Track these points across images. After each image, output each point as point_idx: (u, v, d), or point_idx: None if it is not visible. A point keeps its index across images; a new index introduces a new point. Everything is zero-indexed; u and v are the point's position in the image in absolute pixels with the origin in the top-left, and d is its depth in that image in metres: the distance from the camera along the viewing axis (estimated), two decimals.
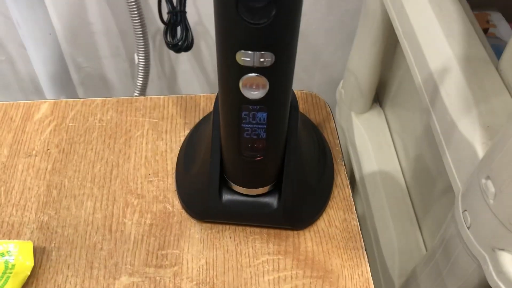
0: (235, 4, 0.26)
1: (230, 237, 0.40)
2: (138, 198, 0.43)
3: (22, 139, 0.47)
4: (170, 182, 0.44)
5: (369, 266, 0.39)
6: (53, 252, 0.40)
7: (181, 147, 0.45)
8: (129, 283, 0.38)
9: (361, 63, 0.74)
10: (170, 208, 0.42)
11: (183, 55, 0.90)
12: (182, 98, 0.50)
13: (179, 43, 0.63)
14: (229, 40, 0.29)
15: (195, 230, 0.41)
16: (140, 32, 0.76)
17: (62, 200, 0.43)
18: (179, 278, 0.38)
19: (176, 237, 0.40)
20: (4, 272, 0.37)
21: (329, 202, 0.42)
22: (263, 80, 0.30)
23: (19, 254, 0.38)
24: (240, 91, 0.31)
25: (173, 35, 0.63)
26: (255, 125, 0.34)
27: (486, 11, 0.68)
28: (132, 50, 0.90)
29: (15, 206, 0.42)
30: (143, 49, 0.78)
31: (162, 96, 0.50)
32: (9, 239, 0.40)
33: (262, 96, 0.31)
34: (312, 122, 0.47)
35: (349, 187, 0.43)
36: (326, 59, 0.93)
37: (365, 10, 0.70)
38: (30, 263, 0.38)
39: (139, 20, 0.74)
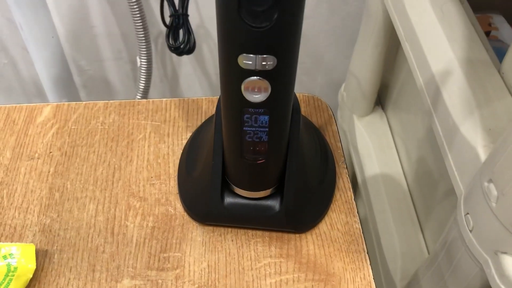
0: (237, 8, 0.26)
1: (232, 240, 0.40)
2: (140, 201, 0.43)
3: (25, 142, 0.47)
4: (172, 185, 0.44)
5: (371, 269, 0.39)
6: (55, 255, 0.40)
7: (183, 150, 0.45)
8: (131, 286, 0.38)
9: (363, 66, 0.74)
10: (172, 211, 0.42)
11: (185, 58, 0.90)
12: (184, 101, 0.50)
13: (181, 46, 0.63)
14: (231, 43, 0.29)
15: (197, 233, 0.41)
16: (142, 35, 0.76)
17: (65, 203, 0.43)
18: (181, 281, 0.38)
19: (178, 240, 0.40)
20: (7, 275, 0.37)
21: (331, 205, 0.42)
22: (265, 84, 0.30)
23: (22, 257, 0.38)
24: (242, 94, 0.31)
25: (175, 38, 0.63)
26: (257, 128, 0.34)
27: (488, 14, 0.68)
28: (134, 53, 0.90)
29: (18, 209, 0.42)
30: (145, 52, 0.78)
31: (164, 99, 0.50)
32: (11, 241, 0.40)
33: (264, 99, 0.31)
34: (314, 125, 0.47)
35: (351, 190, 0.43)
36: (327, 62, 0.93)
37: (367, 13, 0.70)
38: (32, 265, 0.38)
39: (141, 23, 0.75)
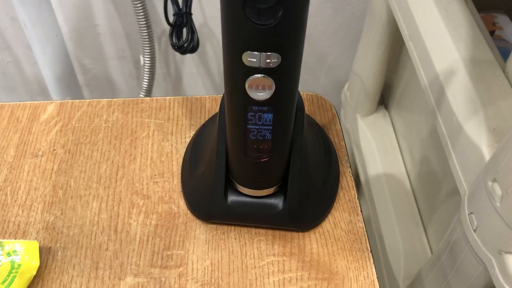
0: (241, 5, 0.26)
1: (235, 238, 0.40)
2: (144, 198, 0.43)
3: (29, 140, 0.47)
4: (176, 183, 0.44)
5: (375, 268, 0.39)
6: (59, 252, 0.40)
7: (187, 148, 0.45)
8: (134, 284, 0.38)
9: (367, 65, 0.74)
10: (175, 209, 0.42)
11: (189, 57, 0.90)
12: (188, 99, 0.50)
13: (185, 45, 0.63)
14: (235, 41, 0.29)
15: (200, 231, 0.41)
16: (146, 34, 0.76)
17: (68, 201, 0.43)
18: (184, 279, 0.38)
19: (182, 238, 0.40)
20: (10, 272, 0.37)
21: (335, 203, 0.42)
22: (269, 81, 0.30)
23: (25, 254, 0.38)
24: (246, 92, 0.31)
25: (179, 36, 0.63)
26: (260, 126, 0.34)
27: (492, 13, 0.68)
28: (137, 52, 0.90)
29: (21, 206, 0.42)
30: (148, 51, 0.78)
31: (167, 97, 0.50)
32: (15, 238, 0.41)
33: (268, 97, 0.31)
34: (317, 123, 0.47)
35: (355, 188, 0.43)
36: (331, 62, 0.93)
37: (371, 12, 0.70)
38: (36, 262, 0.38)
39: (145, 22, 0.75)
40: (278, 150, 0.36)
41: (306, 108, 0.49)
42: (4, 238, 0.41)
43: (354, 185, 0.43)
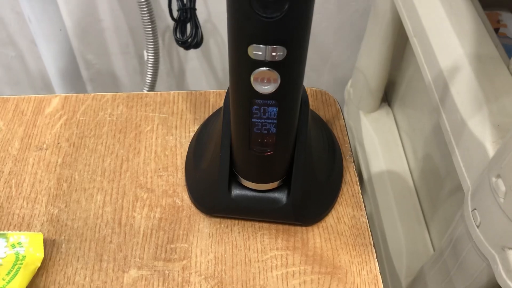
0: None
1: (239, 232, 0.40)
2: (148, 192, 0.43)
3: (33, 133, 0.47)
4: (180, 176, 0.44)
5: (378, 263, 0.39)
6: (63, 245, 0.40)
7: (191, 142, 0.46)
8: (138, 276, 0.38)
9: (370, 62, 0.74)
10: (179, 202, 0.42)
11: (192, 52, 0.90)
12: (192, 94, 0.50)
13: (189, 40, 0.63)
14: (241, 33, 0.29)
15: (204, 224, 0.41)
16: (149, 29, 0.76)
17: (72, 193, 0.43)
18: (187, 272, 0.38)
19: (185, 231, 0.40)
20: (15, 263, 0.37)
21: (338, 198, 0.42)
22: (275, 74, 0.30)
23: (30, 246, 0.38)
24: (251, 85, 0.31)
25: (183, 32, 0.63)
26: (265, 120, 0.34)
27: (496, 11, 0.68)
28: (141, 47, 0.90)
29: (26, 199, 0.43)
30: (152, 46, 0.78)
31: (172, 92, 0.50)
32: (19, 231, 0.41)
33: (273, 90, 0.31)
34: (321, 118, 0.47)
35: (358, 184, 0.43)
36: (335, 58, 0.93)
37: (375, 9, 0.69)
38: (40, 254, 0.38)
39: (148, 17, 0.75)
40: (282, 144, 0.36)
41: (310, 103, 0.49)
42: (9, 230, 0.41)
43: (357, 180, 0.43)
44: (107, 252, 0.39)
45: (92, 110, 0.49)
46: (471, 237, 0.38)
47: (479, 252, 0.37)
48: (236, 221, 0.41)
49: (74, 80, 0.82)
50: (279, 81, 0.31)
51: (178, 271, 0.38)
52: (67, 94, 0.50)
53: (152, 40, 0.77)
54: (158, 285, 0.38)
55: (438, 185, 0.63)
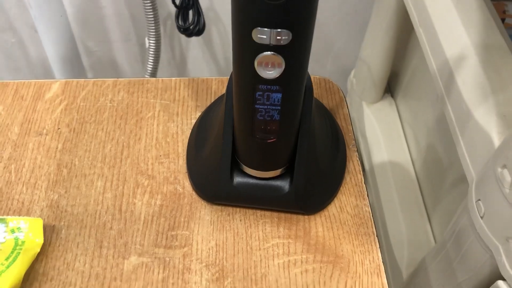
0: None
1: (241, 220, 0.40)
2: (149, 179, 0.42)
3: (33, 118, 0.47)
4: (181, 163, 0.43)
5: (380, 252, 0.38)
6: (63, 231, 0.40)
7: (192, 129, 0.45)
8: (138, 263, 0.38)
9: (374, 52, 0.74)
10: (180, 189, 0.42)
11: (194, 40, 0.89)
12: (194, 81, 0.50)
13: (191, 27, 0.63)
14: (245, 17, 0.28)
15: (205, 212, 0.41)
16: (151, 16, 0.75)
17: (72, 179, 0.42)
18: (188, 259, 0.38)
19: (186, 218, 0.40)
20: (14, 249, 0.37)
21: (341, 187, 0.42)
22: (279, 59, 0.30)
23: (29, 231, 0.38)
24: (255, 70, 0.30)
25: (185, 19, 0.63)
26: (269, 106, 0.33)
27: (503, 1, 0.67)
28: (142, 35, 0.89)
29: (26, 184, 0.42)
30: (154, 33, 0.77)
31: (173, 78, 0.50)
32: (19, 216, 0.40)
33: (277, 75, 0.31)
34: (325, 107, 0.46)
35: (361, 173, 0.43)
36: (338, 48, 0.93)
37: None
38: (40, 240, 0.38)
39: (150, 4, 0.74)
40: (285, 131, 0.35)
41: (314, 91, 0.48)
42: (8, 215, 0.40)
43: (360, 169, 0.43)
44: (107, 238, 0.39)
45: (92, 96, 0.48)
46: (475, 228, 0.38)
47: (483, 243, 0.37)
48: (238, 209, 0.41)
49: (75, 67, 0.81)
50: (283, 66, 0.30)
51: (179, 258, 0.38)
52: (68, 80, 0.50)
53: (153, 28, 0.77)
54: (158, 272, 0.37)
55: (440, 176, 0.63)
